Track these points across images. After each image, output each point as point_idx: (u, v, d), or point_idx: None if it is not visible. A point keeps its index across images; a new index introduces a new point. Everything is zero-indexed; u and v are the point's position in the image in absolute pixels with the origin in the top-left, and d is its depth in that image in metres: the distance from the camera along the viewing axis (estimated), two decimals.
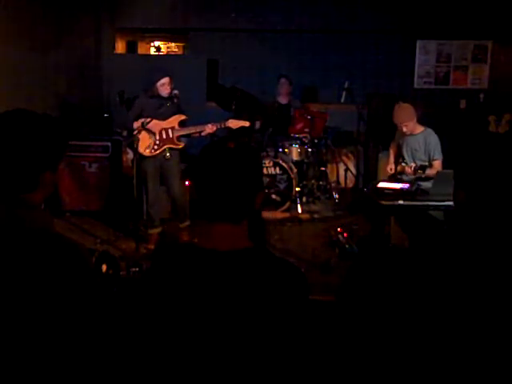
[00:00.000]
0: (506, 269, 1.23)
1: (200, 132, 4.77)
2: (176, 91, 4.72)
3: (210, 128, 4.70)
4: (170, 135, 4.76)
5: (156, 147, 4.74)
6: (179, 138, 4.81)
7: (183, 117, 4.81)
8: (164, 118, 4.76)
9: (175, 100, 4.73)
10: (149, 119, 4.65)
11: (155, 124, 4.71)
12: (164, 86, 4.67)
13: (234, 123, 4.79)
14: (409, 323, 1.24)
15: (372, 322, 1.28)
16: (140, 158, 4.70)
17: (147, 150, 4.71)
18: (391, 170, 4.79)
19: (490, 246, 1.26)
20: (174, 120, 4.79)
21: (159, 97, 4.70)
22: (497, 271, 1.23)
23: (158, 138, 4.74)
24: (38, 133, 1.38)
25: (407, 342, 1.24)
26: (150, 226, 4.95)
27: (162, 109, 4.74)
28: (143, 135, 4.71)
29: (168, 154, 4.72)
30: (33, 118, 1.40)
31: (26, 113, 1.40)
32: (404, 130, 4.54)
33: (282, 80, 6.56)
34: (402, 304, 1.25)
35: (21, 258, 1.28)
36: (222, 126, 4.78)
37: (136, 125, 4.69)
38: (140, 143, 4.68)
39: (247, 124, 4.84)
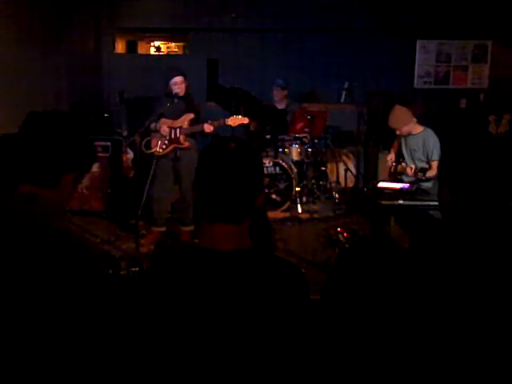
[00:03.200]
0: (501, 270, 1.23)
1: (201, 131, 4.78)
2: (178, 90, 4.75)
3: (207, 127, 4.71)
4: (177, 134, 4.79)
5: (164, 146, 4.81)
6: (186, 137, 4.83)
7: (191, 115, 4.82)
8: (174, 117, 4.82)
9: (175, 100, 4.74)
10: (158, 122, 4.81)
11: (164, 123, 4.81)
12: (177, 85, 4.72)
13: (233, 121, 4.79)
14: (394, 318, 1.24)
15: (357, 317, 1.28)
16: (154, 156, 4.83)
17: (157, 149, 4.80)
18: (391, 159, 4.76)
19: (481, 248, 1.26)
20: (184, 119, 4.82)
21: (171, 95, 4.75)
22: (490, 272, 1.23)
23: (167, 137, 4.81)
24: (68, 132, 1.43)
25: (399, 339, 1.24)
26: (153, 224, 5.00)
27: (172, 108, 4.78)
28: (155, 134, 4.86)
29: (177, 154, 4.74)
30: (67, 119, 1.46)
31: (62, 113, 1.47)
32: (397, 133, 4.58)
33: (277, 89, 6.47)
34: (388, 299, 1.25)
35: (24, 254, 1.27)
36: (222, 124, 4.78)
37: (153, 127, 4.87)
38: (153, 142, 4.87)
39: (246, 121, 4.84)
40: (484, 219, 1.27)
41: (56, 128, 1.41)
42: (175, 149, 4.76)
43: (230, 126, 4.79)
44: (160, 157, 4.83)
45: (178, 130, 4.80)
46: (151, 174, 4.77)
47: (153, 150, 4.85)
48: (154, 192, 4.87)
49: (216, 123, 4.74)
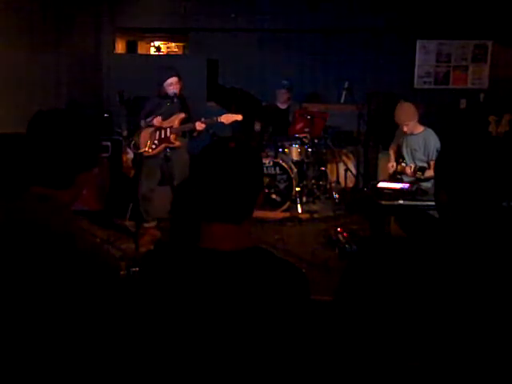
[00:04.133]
0: (500, 269, 1.23)
1: (194, 130, 4.77)
2: (175, 90, 4.74)
3: (199, 125, 4.69)
4: (168, 134, 4.78)
5: (154, 146, 4.77)
6: (177, 136, 4.81)
7: (182, 115, 4.81)
8: (166, 117, 4.79)
9: (175, 100, 4.74)
10: (150, 119, 4.73)
11: (155, 123, 4.77)
12: (172, 86, 4.71)
13: (226, 118, 4.78)
14: (410, 319, 1.24)
15: (374, 319, 1.28)
16: (141, 156, 4.75)
17: (146, 149, 4.75)
18: (392, 166, 4.78)
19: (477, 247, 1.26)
20: (174, 119, 4.81)
21: (164, 96, 4.72)
22: (490, 270, 1.23)
23: (156, 137, 4.78)
24: (80, 131, 1.40)
25: (408, 339, 1.24)
26: (144, 221, 5.01)
27: (164, 108, 4.75)
28: (144, 134, 4.79)
29: (168, 155, 4.71)
30: (81, 119, 1.42)
31: (70, 112, 1.44)
32: (405, 129, 4.56)
33: (282, 91, 6.46)
34: (403, 300, 1.25)
35: (35, 256, 1.27)
36: (215, 122, 4.77)
37: (143, 123, 4.79)
38: (141, 142, 4.80)
39: (240, 118, 4.83)
40: (482, 220, 1.27)
41: (68, 128, 1.38)
42: (165, 149, 4.75)
43: (222, 123, 4.78)
44: (149, 157, 4.79)
45: (168, 130, 4.78)
46: (140, 173, 4.77)
47: (141, 150, 4.75)
48: (145, 191, 4.88)
49: (208, 121, 4.74)
